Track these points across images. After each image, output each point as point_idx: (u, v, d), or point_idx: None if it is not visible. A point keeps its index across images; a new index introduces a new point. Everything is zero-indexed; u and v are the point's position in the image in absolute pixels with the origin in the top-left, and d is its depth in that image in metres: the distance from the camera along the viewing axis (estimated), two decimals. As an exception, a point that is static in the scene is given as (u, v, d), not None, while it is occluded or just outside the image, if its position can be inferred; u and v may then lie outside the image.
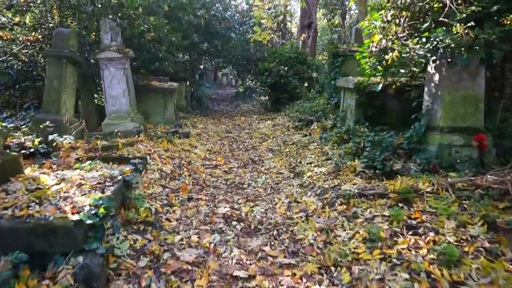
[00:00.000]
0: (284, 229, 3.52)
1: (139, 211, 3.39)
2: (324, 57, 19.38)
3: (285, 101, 12.34)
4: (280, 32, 18.69)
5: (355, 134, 5.74)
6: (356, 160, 4.85)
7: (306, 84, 11.36)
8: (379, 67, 4.72)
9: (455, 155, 4.39)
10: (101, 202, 2.77)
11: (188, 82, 13.97)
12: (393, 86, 5.06)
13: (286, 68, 12.51)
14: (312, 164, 5.36)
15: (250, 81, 18.43)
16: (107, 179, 3.45)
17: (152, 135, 6.90)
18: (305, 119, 8.53)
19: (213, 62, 20.03)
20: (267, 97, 15.12)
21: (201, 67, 19.26)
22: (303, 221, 3.66)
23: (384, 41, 4.45)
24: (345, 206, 3.74)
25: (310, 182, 4.75)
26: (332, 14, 18.62)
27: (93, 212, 2.67)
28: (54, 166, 4.18)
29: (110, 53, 6.76)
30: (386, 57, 4.17)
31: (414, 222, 3.13)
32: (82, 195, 2.99)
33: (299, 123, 8.51)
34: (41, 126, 4.81)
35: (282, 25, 18.30)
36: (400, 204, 3.53)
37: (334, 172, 4.84)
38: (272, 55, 13.52)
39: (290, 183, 5.06)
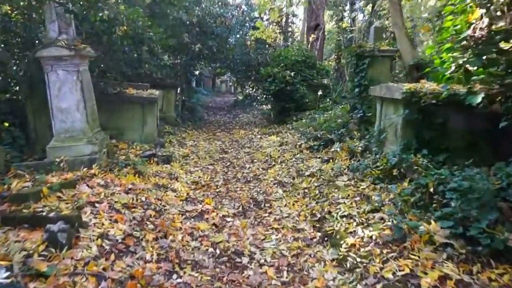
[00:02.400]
0: None
1: None
2: (331, 63, 17.58)
3: (291, 112, 10.45)
4: (283, 34, 16.85)
5: (412, 169, 3.80)
6: (431, 221, 2.90)
7: (320, 92, 9.43)
8: (467, 66, 2.79)
9: None
10: None
11: (179, 90, 12.07)
12: (499, 99, 3.11)
13: (292, 74, 10.63)
14: (351, 220, 3.40)
15: (251, 88, 16.56)
16: None
17: (115, 163, 4.96)
18: (323, 137, 6.59)
19: (209, 68, 18.18)
20: (270, 107, 13.24)
21: (196, 72, 17.41)
22: None
23: (486, 20, 2.53)
24: None
25: (355, 260, 2.79)
26: (341, 15, 16.78)
27: None
28: None
29: (56, 49, 4.83)
30: (503, 46, 2.24)
31: None
32: None
33: (314, 142, 6.58)
34: None
35: (285, 25, 16.45)
36: None
37: (393, 241, 2.89)
38: (276, 58, 11.66)
39: (318, 254, 3.09)
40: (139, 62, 8.17)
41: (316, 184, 4.65)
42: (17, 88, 6.11)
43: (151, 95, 7.38)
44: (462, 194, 2.91)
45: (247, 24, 14.63)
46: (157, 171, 5.29)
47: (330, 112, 8.54)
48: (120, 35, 6.48)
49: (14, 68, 6.08)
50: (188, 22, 10.24)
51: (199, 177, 5.57)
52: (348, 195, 3.99)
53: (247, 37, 14.76)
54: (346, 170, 4.84)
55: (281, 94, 10.60)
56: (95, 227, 3.03)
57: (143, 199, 3.95)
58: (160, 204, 4.04)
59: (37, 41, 6.06)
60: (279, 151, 6.98)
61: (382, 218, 3.28)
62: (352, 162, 5.07)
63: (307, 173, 5.14)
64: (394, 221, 3.08)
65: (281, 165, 6.00)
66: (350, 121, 6.91)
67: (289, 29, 19.60)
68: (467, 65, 2.75)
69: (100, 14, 5.09)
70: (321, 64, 12.88)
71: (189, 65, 12.74)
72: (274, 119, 11.57)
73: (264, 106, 15.09)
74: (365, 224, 3.24)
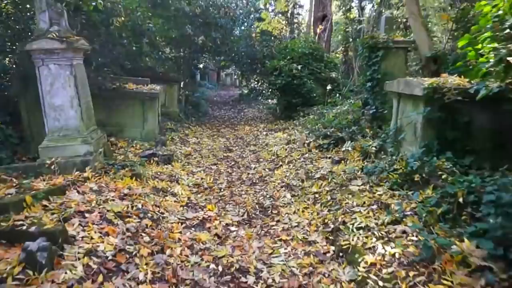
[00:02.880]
0: None
1: None
2: (338, 55, 17.07)
3: (298, 107, 10.04)
4: (289, 26, 16.34)
5: (436, 174, 3.42)
6: (464, 238, 2.52)
7: (329, 87, 9.01)
8: (510, 59, 2.39)
9: None
10: None
11: (182, 84, 11.70)
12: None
13: (299, 67, 10.20)
14: (369, 233, 3.04)
15: (256, 82, 16.13)
16: None
17: (111, 164, 4.64)
18: (333, 135, 6.21)
19: (213, 61, 17.75)
20: (276, 101, 12.83)
21: (200, 66, 17.00)
22: None
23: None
24: None
25: (377, 284, 2.44)
26: (349, 5, 16.20)
27: None
28: None
29: (47, 42, 4.49)
30: None
31: None
32: None
33: (324, 140, 6.19)
34: None
35: (291, 16, 15.94)
36: None
37: (421, 261, 2.52)
38: (282, 51, 11.23)
39: (333, 274, 2.75)
40: (139, 55, 7.83)
41: (327, 189, 4.28)
42: (9, 83, 5.80)
43: (151, 91, 7.02)
44: (498, 206, 2.54)
45: (252, 15, 14.16)
46: (157, 173, 4.96)
47: (339, 107, 8.14)
48: (118, 26, 6.13)
49: (6, 61, 5.76)
50: (190, 13, 9.82)
51: (202, 178, 5.23)
52: (364, 202, 3.62)
53: (252, 29, 14.31)
54: (359, 172, 4.47)
55: (288, 88, 10.19)
56: (82, 241, 2.71)
57: (139, 206, 3.61)
58: (158, 211, 3.71)
59: (29, 33, 5.73)
60: (286, 149, 6.61)
61: (404, 232, 2.92)
62: (366, 163, 4.69)
63: (317, 176, 4.77)
64: (420, 237, 2.72)
65: (289, 166, 5.64)
66: (361, 118, 6.53)
67: (295, 20, 19.10)
68: (509, 58, 2.35)
69: (94, 4, 4.72)
70: (329, 57, 12.43)
71: (193, 58, 12.34)
72: (280, 115, 11.18)
73: (269, 100, 14.68)
74: (386, 239, 2.88)
